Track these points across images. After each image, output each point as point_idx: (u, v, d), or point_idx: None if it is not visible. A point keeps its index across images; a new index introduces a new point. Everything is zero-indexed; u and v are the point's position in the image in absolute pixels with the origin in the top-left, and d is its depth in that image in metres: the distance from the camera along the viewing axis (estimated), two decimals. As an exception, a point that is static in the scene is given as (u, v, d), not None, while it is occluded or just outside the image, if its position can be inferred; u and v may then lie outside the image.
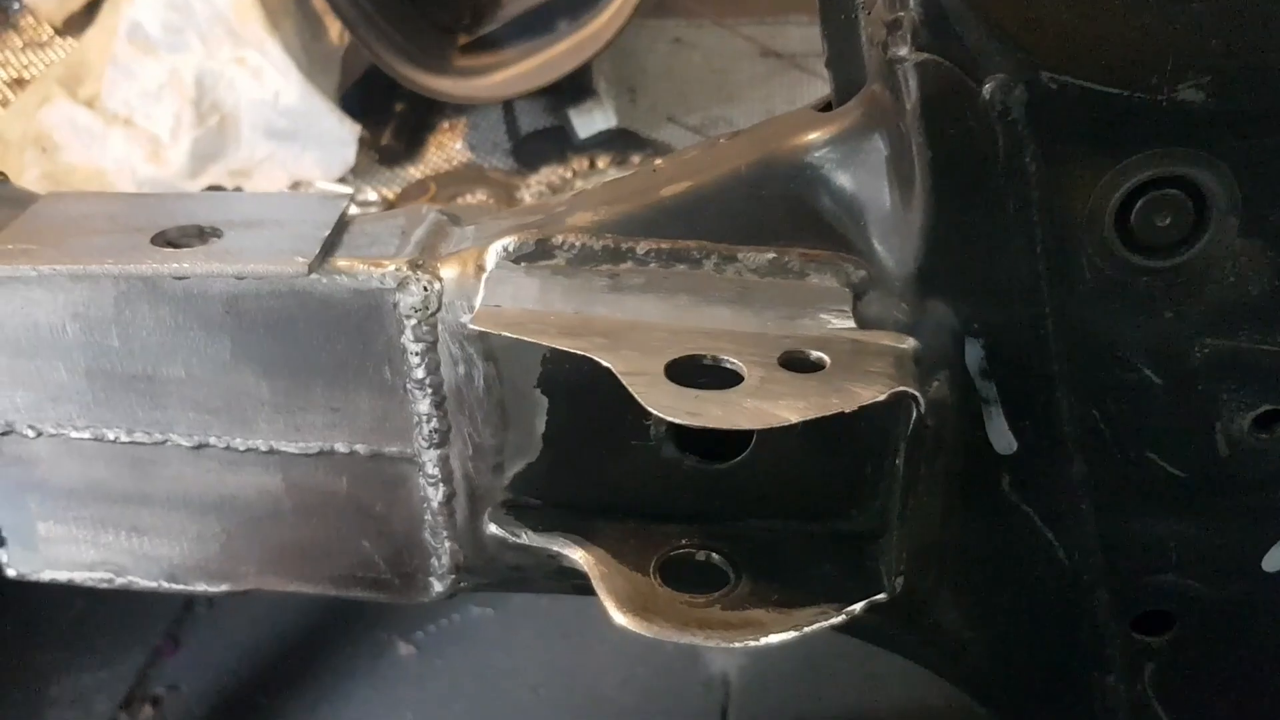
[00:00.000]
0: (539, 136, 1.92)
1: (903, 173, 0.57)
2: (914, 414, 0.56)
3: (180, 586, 0.74)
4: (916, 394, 0.54)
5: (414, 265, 0.62)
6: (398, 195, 1.80)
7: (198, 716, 1.43)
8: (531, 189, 1.78)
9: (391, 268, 0.61)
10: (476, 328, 0.60)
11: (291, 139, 1.74)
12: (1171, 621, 0.71)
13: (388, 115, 1.92)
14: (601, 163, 1.83)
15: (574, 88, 1.89)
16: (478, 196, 1.76)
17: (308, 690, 1.45)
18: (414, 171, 1.87)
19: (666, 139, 1.96)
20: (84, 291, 0.64)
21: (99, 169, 1.74)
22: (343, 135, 1.76)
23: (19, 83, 1.92)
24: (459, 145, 1.94)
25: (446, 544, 0.68)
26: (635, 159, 1.83)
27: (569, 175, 1.80)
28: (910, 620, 0.70)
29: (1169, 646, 0.72)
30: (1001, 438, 0.64)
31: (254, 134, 1.73)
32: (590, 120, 1.85)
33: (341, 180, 1.79)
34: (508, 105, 1.97)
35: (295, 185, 1.75)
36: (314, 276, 0.61)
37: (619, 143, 1.88)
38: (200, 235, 0.65)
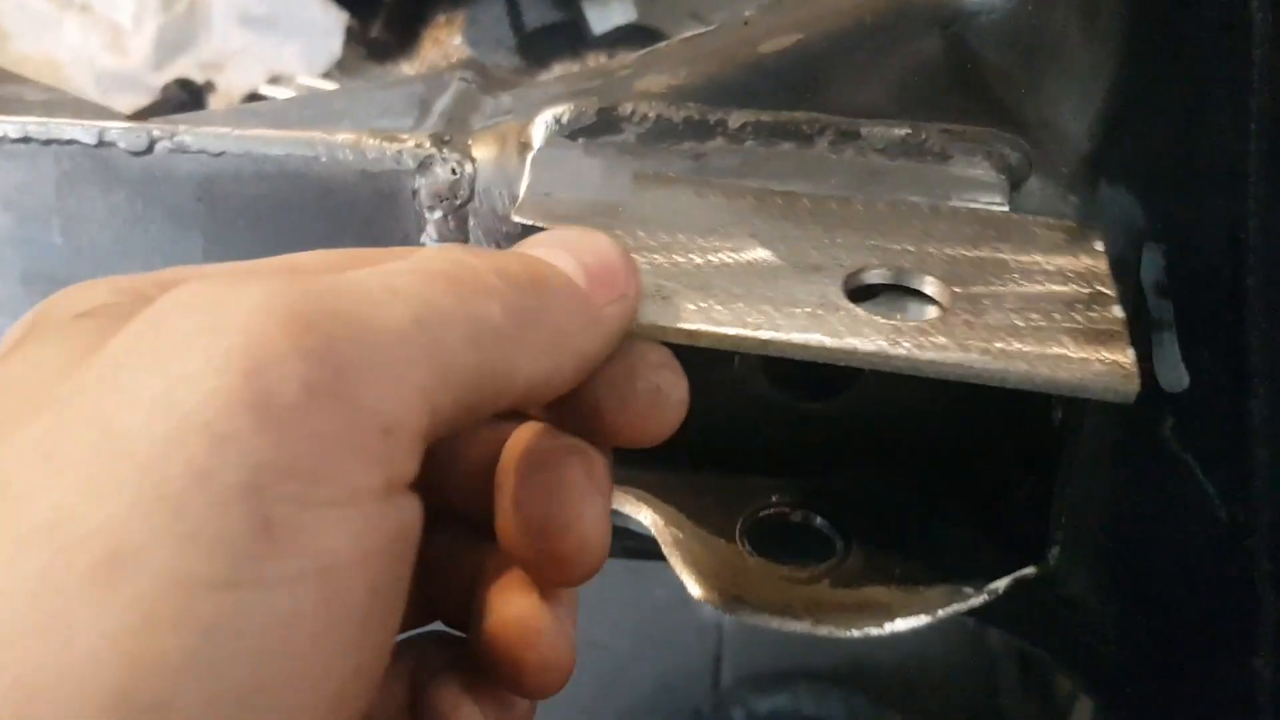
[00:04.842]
0: (547, 32, 1.79)
1: (1090, 20, 0.45)
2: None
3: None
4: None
5: (439, 141, 0.51)
6: (389, 96, 1.67)
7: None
8: (542, 88, 1.66)
9: (411, 144, 0.50)
10: (520, 221, 0.48)
11: (270, 28, 1.62)
12: (1343, 597, 0.61)
13: (377, 4, 1.79)
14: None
15: (589, -24, 1.76)
16: (481, 96, 1.64)
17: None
18: (407, 68, 1.75)
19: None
20: (19, 171, 0.52)
21: (53, 60, 1.61)
22: (328, 25, 1.64)
23: (-37, -34, 1.78)
24: (457, 40, 1.81)
25: (472, 495, 0.58)
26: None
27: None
28: (1038, 592, 0.60)
29: (1336, 627, 0.62)
30: (1171, 370, 0.54)
31: (226, 22, 1.61)
32: (607, 13, 1.73)
33: (326, 76, 1.66)
34: (511, -4, 1.84)
35: (274, 80, 1.62)
36: (312, 154, 0.50)
37: (638, 39, 1.76)
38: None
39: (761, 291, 0.42)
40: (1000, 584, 0.49)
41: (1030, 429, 0.52)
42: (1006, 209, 0.48)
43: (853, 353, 0.40)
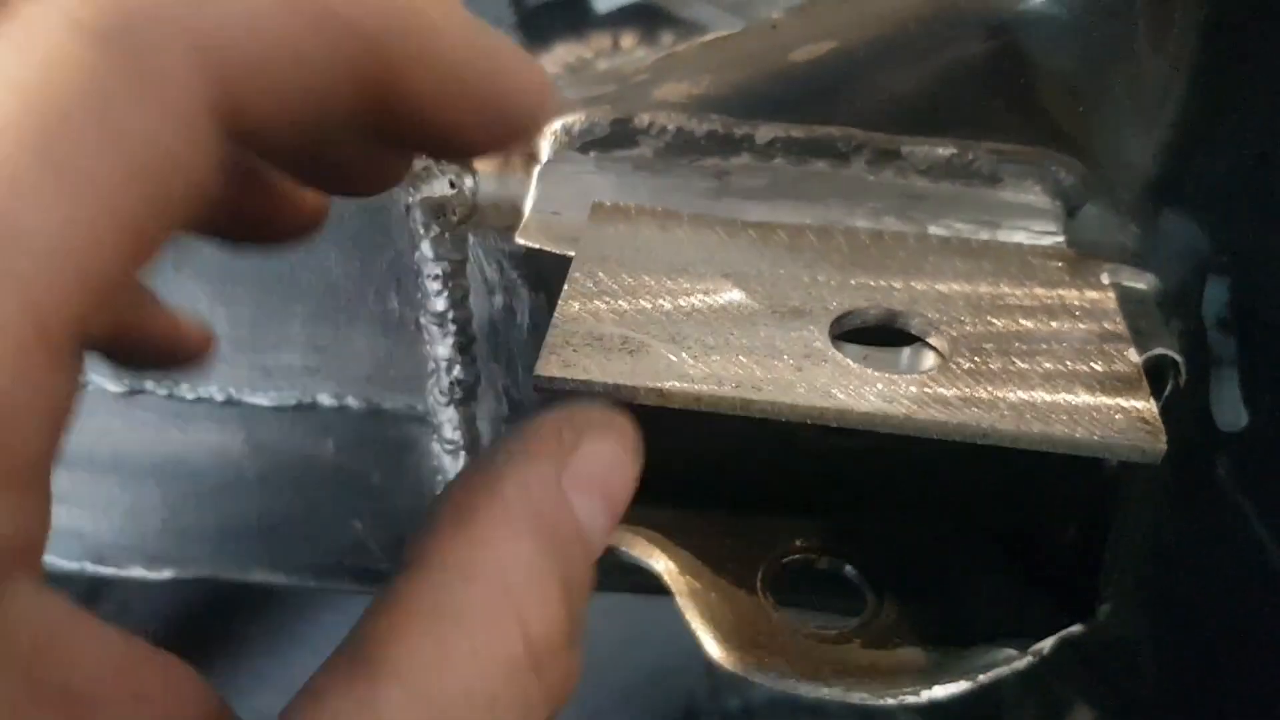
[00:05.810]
0: (550, 9, 1.75)
1: (1161, 33, 0.42)
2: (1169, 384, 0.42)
3: (110, 570, 0.60)
4: (1178, 358, 0.40)
5: (436, 151, 0.47)
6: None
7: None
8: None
9: (404, 153, 0.47)
10: (525, 243, 0.45)
11: (258, 3, 1.57)
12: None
13: (372, -21, 1.75)
14: (626, 41, 1.66)
15: (592, -48, 1.72)
16: (478, 77, 1.60)
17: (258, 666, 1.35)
18: (402, 47, 1.70)
19: (697, 17, 1.79)
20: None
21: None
22: (319, 0, 1.59)
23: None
24: (455, 18, 1.77)
25: (467, 530, 0.54)
26: (667, 39, 1.66)
27: (589, 55, 1.64)
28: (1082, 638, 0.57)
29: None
30: (1230, 409, 0.50)
31: (214, -4, 1.56)
32: (612, -9, 1.69)
33: (317, 54, 1.62)
34: (512, -28, 1.80)
35: (263, 58, 1.58)
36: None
37: (645, 19, 1.71)
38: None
39: (739, 341, 0.38)
40: (1046, 645, 0.46)
41: (1078, 471, 0.49)
42: (1061, 239, 0.44)
43: (845, 413, 0.36)
